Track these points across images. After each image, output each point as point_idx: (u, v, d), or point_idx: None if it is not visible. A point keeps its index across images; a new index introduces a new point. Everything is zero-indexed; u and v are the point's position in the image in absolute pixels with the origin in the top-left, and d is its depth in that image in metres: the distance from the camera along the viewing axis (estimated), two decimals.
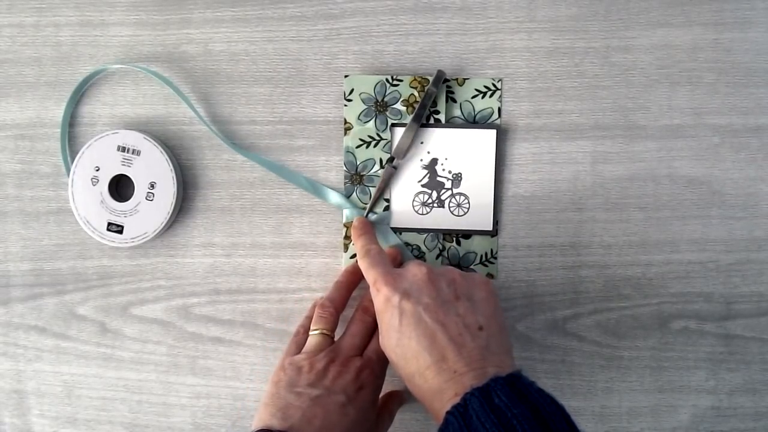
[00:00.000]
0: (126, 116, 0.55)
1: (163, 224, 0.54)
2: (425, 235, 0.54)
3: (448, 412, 0.38)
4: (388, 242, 0.54)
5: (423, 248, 0.54)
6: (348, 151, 0.54)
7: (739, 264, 0.54)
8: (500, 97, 0.54)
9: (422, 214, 0.54)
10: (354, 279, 0.53)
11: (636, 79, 0.54)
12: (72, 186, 0.54)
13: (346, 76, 0.54)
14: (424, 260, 0.54)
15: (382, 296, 0.45)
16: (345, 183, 0.55)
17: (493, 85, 0.54)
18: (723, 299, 0.54)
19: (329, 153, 0.55)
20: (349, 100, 0.54)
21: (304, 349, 0.49)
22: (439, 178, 0.54)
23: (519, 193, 0.54)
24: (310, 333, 0.50)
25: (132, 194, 0.54)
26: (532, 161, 0.54)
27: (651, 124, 0.54)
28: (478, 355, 0.41)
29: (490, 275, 0.54)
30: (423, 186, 0.54)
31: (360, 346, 0.49)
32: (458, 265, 0.55)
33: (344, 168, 0.55)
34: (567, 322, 0.55)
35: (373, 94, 0.54)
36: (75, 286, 0.56)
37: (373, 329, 0.50)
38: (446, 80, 0.54)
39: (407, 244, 0.54)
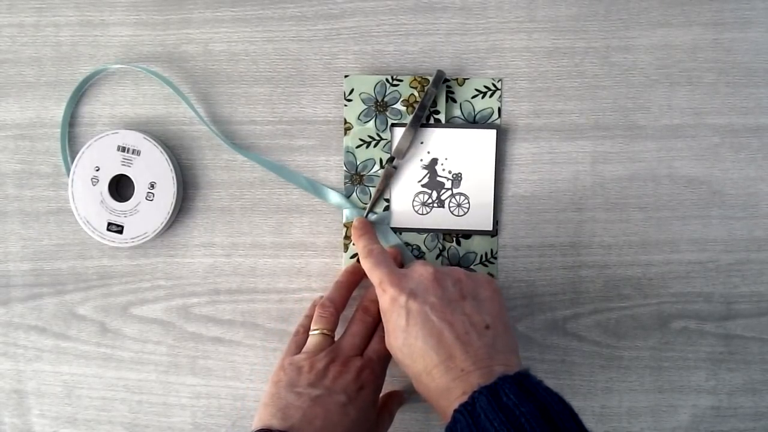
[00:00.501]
0: (126, 116, 0.55)
1: (163, 224, 0.54)
2: (425, 235, 0.54)
3: (455, 410, 0.38)
4: (388, 242, 0.54)
5: (423, 248, 0.54)
6: (348, 151, 0.54)
7: (739, 264, 0.54)
8: (500, 97, 0.54)
9: (422, 214, 0.54)
10: (354, 279, 0.53)
11: (636, 79, 0.54)
12: (72, 186, 0.54)
13: (346, 76, 0.54)
14: (425, 260, 0.54)
15: (388, 296, 0.45)
16: (345, 183, 0.55)
17: (493, 85, 0.54)
18: (723, 299, 0.54)
19: (329, 153, 0.55)
20: (349, 100, 0.54)
21: (304, 349, 0.49)
22: (439, 178, 0.54)
23: (519, 193, 0.54)
24: (311, 333, 0.50)
25: (132, 194, 0.54)
26: (532, 161, 0.54)
27: (651, 124, 0.54)
28: (485, 354, 0.41)
29: (490, 275, 0.54)
30: (423, 186, 0.54)
31: (360, 346, 0.49)
32: (458, 265, 0.54)
33: (344, 168, 0.55)
34: (567, 322, 0.55)
35: (373, 94, 0.54)
36: (75, 286, 0.56)
37: (373, 329, 0.50)
38: (446, 80, 0.54)
39: (407, 244, 0.54)
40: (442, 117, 0.54)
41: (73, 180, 0.54)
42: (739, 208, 0.54)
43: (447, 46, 0.54)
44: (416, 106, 0.53)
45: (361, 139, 0.54)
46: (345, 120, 0.54)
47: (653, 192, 0.54)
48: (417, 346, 0.43)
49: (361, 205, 0.54)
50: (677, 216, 0.54)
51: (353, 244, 0.54)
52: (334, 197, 0.54)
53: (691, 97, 0.54)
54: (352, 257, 0.55)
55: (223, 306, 0.56)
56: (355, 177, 0.54)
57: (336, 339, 0.50)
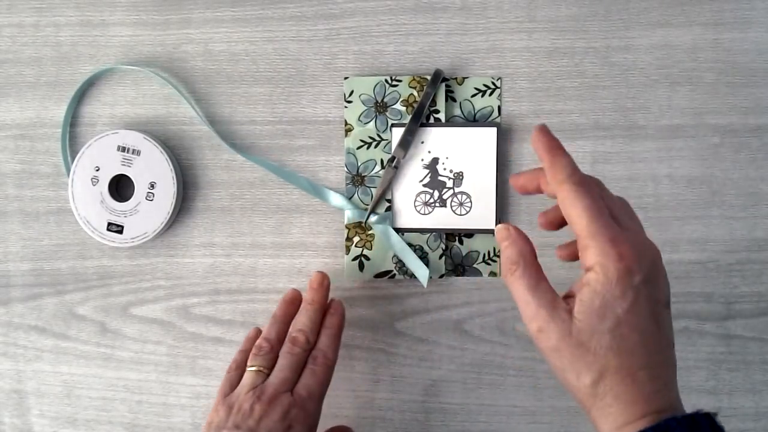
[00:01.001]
0: (126, 116, 0.55)
1: (163, 224, 0.54)
2: (428, 235, 0.54)
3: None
4: (391, 244, 0.54)
5: (426, 248, 0.54)
6: (349, 153, 0.54)
7: (739, 264, 0.54)
8: (500, 95, 0.54)
9: (424, 214, 0.54)
10: (292, 310, 0.51)
11: (636, 79, 0.54)
12: (72, 186, 0.54)
13: (345, 78, 0.54)
14: (428, 261, 0.54)
15: (618, 266, 0.34)
16: (346, 184, 0.55)
17: (492, 83, 0.54)
18: (723, 299, 0.54)
19: (329, 153, 0.55)
20: (349, 102, 0.54)
21: (238, 387, 0.47)
22: (440, 178, 0.54)
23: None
24: (248, 369, 0.48)
25: (132, 194, 0.54)
26: (532, 161, 0.54)
27: (651, 124, 0.54)
28: (674, 371, 0.37)
29: (493, 274, 0.54)
30: (424, 186, 0.54)
31: (290, 381, 0.46)
32: (461, 265, 0.55)
33: (345, 169, 0.55)
34: None
35: (373, 95, 0.54)
36: (75, 286, 0.56)
37: (303, 362, 0.47)
38: (445, 79, 0.54)
39: (410, 244, 0.54)
40: (442, 116, 0.54)
41: (73, 180, 0.54)
42: (739, 208, 0.54)
43: (447, 46, 0.54)
44: (416, 106, 0.53)
45: (361, 140, 0.54)
46: (345, 121, 0.54)
47: (653, 192, 0.54)
48: (632, 339, 0.34)
49: (363, 206, 0.54)
50: (677, 216, 0.54)
51: (355, 246, 0.54)
52: (336, 199, 0.54)
53: (691, 97, 0.54)
54: (353, 260, 0.55)
55: (223, 306, 0.56)
56: (357, 178, 0.54)
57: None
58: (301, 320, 0.49)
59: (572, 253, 0.42)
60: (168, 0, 0.55)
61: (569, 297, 0.37)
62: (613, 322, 0.34)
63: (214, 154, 0.55)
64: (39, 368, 0.56)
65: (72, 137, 0.56)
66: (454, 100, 0.54)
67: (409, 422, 0.55)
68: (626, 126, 0.54)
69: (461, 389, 0.55)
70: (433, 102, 0.54)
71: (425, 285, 0.53)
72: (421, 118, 0.53)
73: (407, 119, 0.54)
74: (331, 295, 0.53)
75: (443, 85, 0.54)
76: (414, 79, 0.54)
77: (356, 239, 0.55)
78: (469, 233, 0.54)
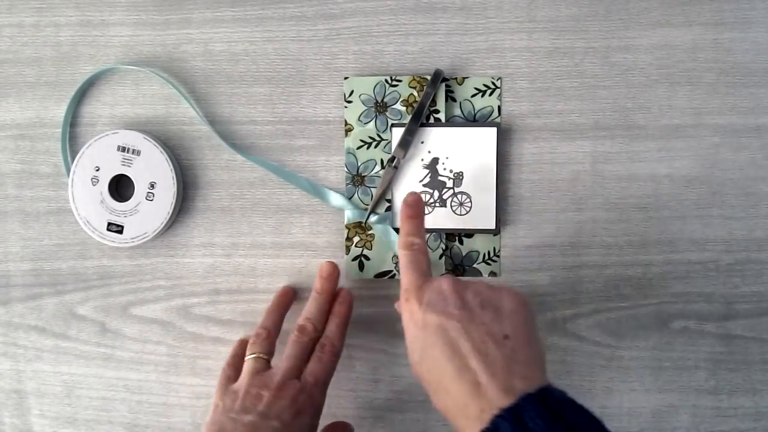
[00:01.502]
0: (126, 116, 0.55)
1: (163, 224, 0.54)
2: (428, 235, 0.54)
3: None
4: (391, 244, 0.54)
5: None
6: (349, 153, 0.54)
7: (739, 264, 0.54)
8: (500, 95, 0.54)
9: (424, 214, 0.54)
10: (285, 301, 0.53)
11: (636, 79, 0.54)
12: (72, 186, 0.54)
13: (345, 78, 0.54)
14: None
15: (407, 309, 0.43)
16: (347, 184, 0.55)
17: (492, 83, 0.54)
18: (723, 299, 0.54)
19: (329, 153, 0.55)
20: (349, 102, 0.54)
21: (241, 376, 0.48)
22: (440, 178, 0.54)
23: (519, 193, 0.54)
24: (246, 358, 0.49)
25: (132, 194, 0.54)
26: (532, 161, 0.54)
27: (651, 124, 0.54)
28: (503, 365, 0.38)
29: (493, 273, 0.54)
30: (424, 186, 0.54)
31: (297, 368, 0.48)
32: (461, 265, 0.55)
33: (345, 169, 0.55)
34: (567, 322, 0.55)
35: (373, 95, 0.54)
36: (75, 286, 0.56)
37: (310, 349, 0.49)
38: (445, 79, 0.54)
39: None
40: (442, 116, 0.54)
41: (73, 180, 0.54)
42: (739, 208, 0.54)
43: (447, 46, 0.54)
44: (416, 106, 0.53)
45: (361, 140, 0.54)
46: (345, 122, 0.54)
47: (653, 192, 0.54)
48: (433, 357, 0.40)
49: (363, 206, 0.54)
50: (677, 216, 0.54)
51: (355, 246, 0.54)
52: (336, 199, 0.54)
53: (691, 97, 0.54)
54: (353, 260, 0.55)
55: (223, 306, 0.56)
56: (357, 178, 0.54)
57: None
58: (309, 309, 0.51)
59: None
60: (168, 0, 0.55)
61: None
62: (419, 351, 0.42)
63: (214, 154, 0.55)
64: (39, 368, 0.56)
65: (72, 137, 0.56)
66: (454, 100, 0.54)
67: (409, 422, 0.55)
68: (626, 126, 0.54)
69: None
70: (433, 102, 0.54)
71: None
72: (421, 118, 0.53)
73: (407, 119, 0.54)
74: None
75: (443, 85, 0.54)
76: (414, 79, 0.54)
77: (356, 239, 0.55)
78: (469, 233, 0.54)
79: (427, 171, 0.54)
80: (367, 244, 0.54)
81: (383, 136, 0.54)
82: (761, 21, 0.53)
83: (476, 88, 0.54)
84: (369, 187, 0.54)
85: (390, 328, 0.55)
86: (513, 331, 0.40)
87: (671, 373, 0.54)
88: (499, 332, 0.40)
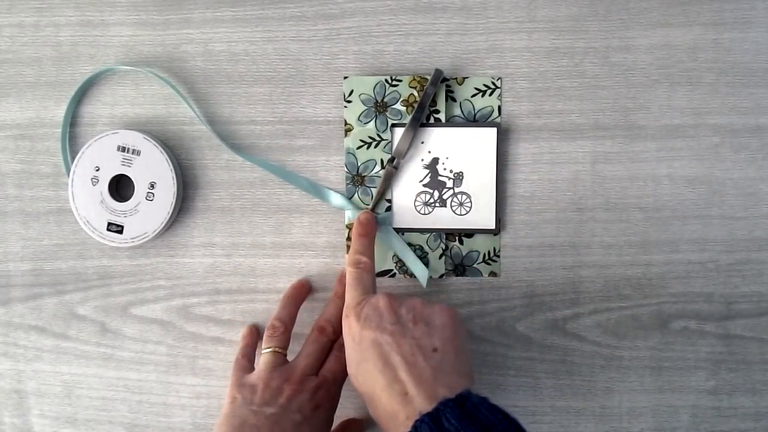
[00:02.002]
0: (126, 116, 0.55)
1: (163, 224, 0.54)
2: (428, 235, 0.54)
3: None
4: (391, 243, 0.54)
5: (426, 248, 0.54)
6: (349, 153, 0.54)
7: (739, 264, 0.54)
8: (500, 95, 0.54)
9: (424, 214, 0.54)
10: (301, 294, 0.54)
11: (636, 79, 0.54)
12: (72, 186, 0.54)
13: (345, 78, 0.54)
14: (427, 260, 0.54)
15: (347, 323, 0.46)
16: (347, 184, 0.55)
17: (493, 83, 0.54)
18: (723, 299, 0.54)
19: (329, 153, 0.55)
20: (349, 102, 0.54)
21: (257, 368, 0.49)
22: (440, 178, 0.54)
23: (519, 193, 0.54)
24: (263, 352, 0.50)
25: (132, 194, 0.54)
26: (532, 161, 0.54)
27: (651, 124, 0.54)
28: (430, 376, 0.41)
29: (493, 273, 0.54)
30: (424, 186, 0.54)
31: (315, 366, 0.49)
32: (461, 265, 0.55)
33: (345, 169, 0.55)
34: (567, 322, 0.55)
35: (373, 95, 0.54)
36: (75, 286, 0.56)
37: (328, 349, 0.51)
38: (445, 79, 0.54)
39: (410, 244, 0.54)
40: (442, 116, 0.54)
41: (73, 180, 0.54)
42: (739, 208, 0.54)
43: (447, 46, 0.54)
44: (416, 105, 0.53)
45: (361, 140, 0.54)
46: (345, 121, 0.54)
47: (653, 192, 0.54)
48: (368, 370, 0.43)
49: (363, 206, 0.54)
50: (677, 216, 0.54)
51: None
52: (336, 199, 0.54)
53: (691, 97, 0.54)
54: None
55: (223, 306, 0.56)
56: (357, 178, 0.54)
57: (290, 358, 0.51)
58: (330, 311, 0.52)
59: None
60: (168, 0, 0.55)
61: None
62: (355, 364, 0.45)
63: (214, 154, 0.55)
64: (39, 368, 0.56)
65: (72, 137, 0.56)
66: (454, 100, 0.54)
67: None
68: (626, 126, 0.54)
69: None
70: (433, 102, 0.54)
71: (425, 285, 0.53)
72: (421, 118, 0.53)
73: (407, 119, 0.54)
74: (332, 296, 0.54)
75: (443, 85, 0.54)
76: (414, 79, 0.54)
77: None
78: (469, 233, 0.54)
79: (427, 171, 0.54)
80: None
81: (383, 136, 0.54)
82: (761, 21, 0.53)
83: (476, 88, 0.54)
84: (369, 187, 0.54)
85: None
86: (442, 344, 0.43)
87: (671, 373, 0.54)
88: (428, 345, 0.43)
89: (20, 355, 0.56)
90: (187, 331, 0.56)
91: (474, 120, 0.54)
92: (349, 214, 0.54)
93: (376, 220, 0.53)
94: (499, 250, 0.54)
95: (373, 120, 0.54)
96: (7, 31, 0.56)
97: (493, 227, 0.54)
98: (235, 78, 0.55)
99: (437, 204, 0.54)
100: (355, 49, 0.55)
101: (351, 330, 0.45)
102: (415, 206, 0.54)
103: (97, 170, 0.54)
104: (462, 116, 0.54)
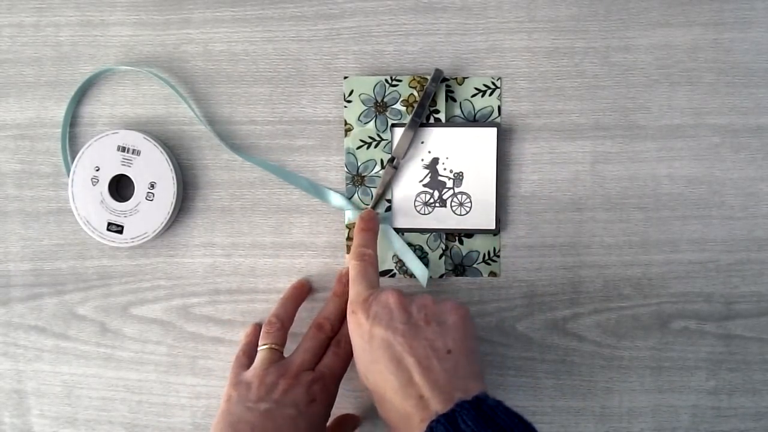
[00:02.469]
0: (126, 116, 0.55)
1: (163, 224, 0.54)
2: (428, 235, 0.54)
3: None
4: (391, 243, 0.54)
5: (426, 248, 0.54)
6: (349, 153, 0.54)
7: (739, 264, 0.54)
8: (500, 95, 0.54)
9: (424, 214, 0.54)
10: (300, 293, 0.54)
11: (636, 79, 0.54)
12: (72, 186, 0.54)
13: (345, 78, 0.54)
14: (427, 260, 0.54)
15: (354, 319, 0.45)
16: (346, 184, 0.55)
17: (493, 83, 0.54)
18: (723, 299, 0.54)
19: (329, 153, 0.55)
20: (349, 101, 0.54)
21: (253, 366, 0.49)
22: (440, 178, 0.54)
23: (519, 193, 0.54)
24: (259, 348, 0.50)
25: (132, 194, 0.54)
26: (532, 161, 0.54)
27: (651, 124, 0.54)
28: (445, 379, 0.40)
29: (493, 273, 0.54)
30: (424, 186, 0.54)
31: (312, 362, 0.49)
32: (461, 265, 0.55)
33: (345, 169, 0.55)
34: (567, 322, 0.55)
35: (373, 95, 0.54)
36: (75, 286, 0.56)
37: (325, 346, 0.50)
38: (445, 79, 0.54)
39: (410, 244, 0.54)
40: (442, 116, 0.54)
41: (73, 180, 0.54)
42: (739, 208, 0.54)
43: (447, 46, 0.54)
44: (416, 105, 0.53)
45: (361, 140, 0.54)
46: (345, 121, 0.54)
47: (653, 192, 0.54)
48: (379, 370, 0.42)
49: (363, 206, 0.54)
50: (677, 216, 0.54)
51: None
52: (336, 199, 0.54)
53: (691, 97, 0.54)
54: None
55: (223, 306, 0.56)
56: (357, 178, 0.54)
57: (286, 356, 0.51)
58: (329, 309, 0.52)
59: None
60: (168, 0, 0.55)
61: None
62: (364, 363, 0.44)
63: (214, 154, 0.55)
64: (39, 368, 0.56)
65: (72, 137, 0.56)
66: (454, 100, 0.54)
67: None
68: (626, 126, 0.54)
69: None
70: (433, 102, 0.54)
71: (425, 285, 0.53)
72: (421, 118, 0.53)
73: (407, 119, 0.54)
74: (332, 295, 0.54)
75: (443, 85, 0.54)
76: (414, 79, 0.54)
77: None
78: (469, 233, 0.54)
79: (427, 171, 0.54)
80: None
81: (383, 135, 0.54)
82: (761, 21, 0.53)
83: (476, 88, 0.54)
84: (369, 187, 0.54)
85: None
86: (455, 345, 0.42)
87: (671, 373, 0.54)
88: (442, 347, 0.42)
89: (20, 355, 0.56)
90: (187, 331, 0.56)
91: (474, 120, 0.54)
92: (349, 214, 0.54)
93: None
94: (499, 250, 0.54)
95: (373, 120, 0.54)
96: (7, 31, 0.56)
97: (493, 227, 0.54)
98: (235, 78, 0.55)
99: (437, 204, 0.54)
100: (355, 49, 0.55)
101: (359, 327, 0.44)
102: (415, 206, 0.54)
103: (97, 170, 0.54)
104: (462, 116, 0.54)
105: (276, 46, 0.55)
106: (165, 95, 0.55)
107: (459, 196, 0.54)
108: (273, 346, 0.50)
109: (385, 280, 0.55)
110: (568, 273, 0.54)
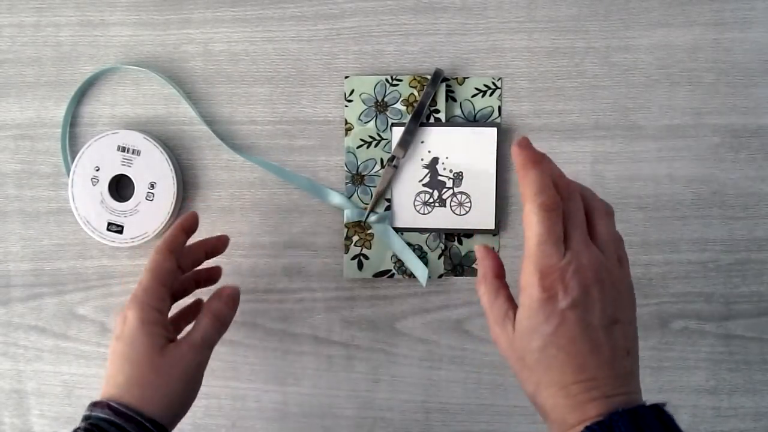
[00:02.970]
0: (126, 116, 0.55)
1: (163, 224, 0.54)
2: (427, 234, 0.54)
3: (588, 427, 0.35)
4: (391, 243, 0.54)
5: (425, 248, 0.54)
6: (349, 152, 0.54)
7: (739, 264, 0.54)
8: (500, 95, 0.54)
9: (424, 214, 0.54)
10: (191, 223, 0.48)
11: (636, 79, 0.54)
12: (72, 186, 0.54)
13: (346, 77, 0.54)
14: (427, 260, 0.54)
15: (546, 292, 0.36)
16: (346, 183, 0.55)
17: (493, 83, 0.54)
18: (723, 299, 0.54)
19: (329, 153, 0.55)
20: (350, 101, 0.54)
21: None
22: (440, 177, 0.54)
23: (519, 193, 0.54)
24: None
25: (132, 194, 0.54)
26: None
27: (651, 124, 0.54)
28: (625, 380, 0.37)
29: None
30: (424, 185, 0.54)
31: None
32: (460, 265, 0.55)
33: (345, 168, 0.55)
34: None
35: (373, 95, 0.54)
36: (75, 286, 0.56)
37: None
38: (445, 79, 0.54)
39: (409, 244, 0.54)
40: (442, 116, 0.54)
41: (73, 180, 0.54)
42: (739, 208, 0.54)
43: (447, 46, 0.54)
44: (416, 105, 0.53)
45: (361, 140, 0.54)
46: (346, 121, 0.54)
47: (653, 192, 0.54)
48: (558, 358, 0.36)
49: (363, 205, 0.54)
50: (677, 216, 0.54)
51: (354, 245, 0.54)
52: (336, 198, 0.54)
53: (691, 97, 0.54)
54: (352, 259, 0.55)
55: None
56: (357, 177, 0.54)
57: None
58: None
59: None
60: (168, 0, 0.55)
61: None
62: (541, 342, 0.37)
63: (214, 154, 0.55)
64: (39, 368, 0.56)
65: (72, 137, 0.56)
66: (455, 100, 0.54)
67: (409, 422, 0.55)
68: (626, 126, 0.54)
69: (461, 389, 0.55)
70: (434, 102, 0.54)
71: (424, 285, 0.53)
72: (421, 117, 0.53)
73: (407, 119, 0.54)
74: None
75: (443, 85, 0.54)
76: (414, 79, 0.54)
77: (355, 238, 0.55)
78: (469, 233, 0.54)
79: (427, 171, 0.54)
80: (366, 244, 0.54)
81: (383, 135, 0.54)
82: (761, 21, 0.53)
83: (476, 88, 0.54)
84: (369, 186, 0.54)
85: (390, 328, 0.55)
86: (633, 347, 0.39)
87: (671, 373, 0.54)
88: (624, 348, 0.39)
89: (20, 355, 0.56)
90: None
91: (474, 120, 0.54)
92: (348, 214, 0.54)
93: (373, 221, 0.53)
94: (498, 251, 0.54)
95: (374, 119, 0.54)
96: (7, 31, 0.56)
97: (493, 227, 0.54)
98: (235, 78, 0.55)
99: (437, 204, 0.54)
100: (355, 49, 0.55)
101: (553, 303, 0.36)
102: (415, 206, 0.54)
103: (97, 170, 0.54)
104: (462, 116, 0.54)
105: (276, 46, 0.55)
106: (165, 95, 0.55)
107: (459, 196, 0.54)
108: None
109: (383, 280, 0.55)
110: None
